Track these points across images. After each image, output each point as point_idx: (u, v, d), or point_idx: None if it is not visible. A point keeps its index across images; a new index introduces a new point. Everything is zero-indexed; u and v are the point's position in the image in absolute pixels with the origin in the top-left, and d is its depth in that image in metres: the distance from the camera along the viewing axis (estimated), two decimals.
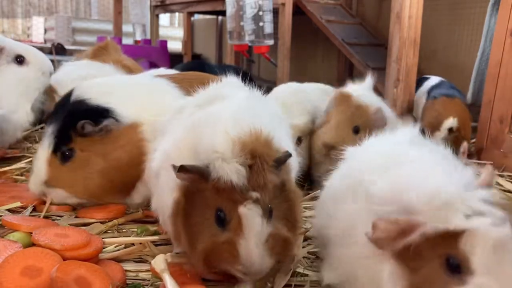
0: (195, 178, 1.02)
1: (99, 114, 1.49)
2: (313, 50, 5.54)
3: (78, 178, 1.48)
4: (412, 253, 0.75)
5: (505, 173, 2.33)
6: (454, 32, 4.19)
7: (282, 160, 1.05)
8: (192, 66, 3.56)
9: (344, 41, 4.43)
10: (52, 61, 2.16)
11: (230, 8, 4.17)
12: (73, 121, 1.47)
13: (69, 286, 1.02)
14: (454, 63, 4.15)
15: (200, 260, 1.03)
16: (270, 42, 4.05)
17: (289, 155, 1.08)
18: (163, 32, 7.64)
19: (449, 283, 0.72)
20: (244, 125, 1.06)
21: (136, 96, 1.61)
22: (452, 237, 0.73)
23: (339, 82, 5.36)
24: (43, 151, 1.51)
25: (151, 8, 5.53)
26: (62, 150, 1.49)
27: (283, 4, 4.05)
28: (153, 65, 4.89)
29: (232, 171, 0.98)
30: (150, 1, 5.52)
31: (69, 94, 1.58)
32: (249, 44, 4.09)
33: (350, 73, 5.20)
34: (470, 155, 2.75)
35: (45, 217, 1.50)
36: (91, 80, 1.70)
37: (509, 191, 2.01)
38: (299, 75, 5.49)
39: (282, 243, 1.03)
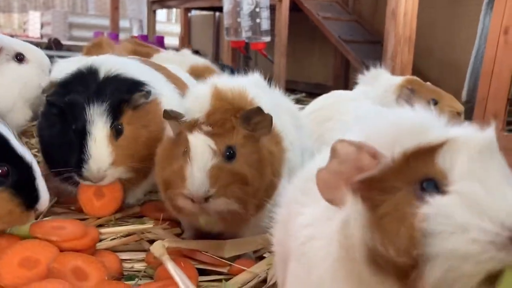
0: (175, 122, 1.20)
1: (139, 87, 1.52)
2: (310, 47, 5.56)
3: (131, 152, 1.46)
4: (374, 188, 0.59)
5: None
6: (450, 30, 4.22)
7: (250, 113, 1.15)
8: None
9: (341, 38, 4.45)
10: (52, 56, 2.16)
11: (227, 5, 4.18)
12: (122, 95, 1.45)
13: (66, 277, 1.04)
14: (450, 61, 4.17)
15: (163, 192, 1.20)
16: (267, 38, 4.07)
17: (258, 112, 1.15)
18: (160, 27, 7.64)
19: (422, 205, 0.56)
20: (231, 84, 1.22)
21: (150, 72, 1.71)
22: (425, 157, 0.58)
23: (335, 78, 5.40)
24: (100, 131, 1.41)
25: (148, 4, 5.53)
26: (115, 126, 1.44)
27: (280, 1, 4.07)
28: None
29: (195, 108, 1.17)
30: None
31: (92, 71, 1.52)
32: (246, 40, 4.11)
33: (346, 70, 5.22)
34: None
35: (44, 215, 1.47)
36: (101, 58, 1.68)
37: None
38: (295, 72, 5.51)
39: (233, 179, 1.11)
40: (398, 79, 2.28)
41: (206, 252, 1.20)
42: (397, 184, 0.58)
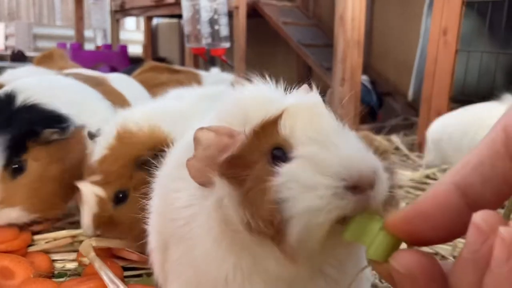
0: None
1: (56, 120, 1.43)
2: (272, 52, 5.66)
3: (34, 191, 1.35)
4: (237, 165, 0.64)
5: (444, 166, 2.46)
6: (402, 32, 4.37)
7: (143, 161, 1.12)
8: None
9: (300, 42, 4.56)
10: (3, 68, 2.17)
11: (186, 12, 4.26)
12: (28, 129, 1.35)
13: None
14: (405, 62, 4.31)
15: None
16: (227, 44, 4.15)
17: (153, 159, 1.06)
18: (128, 36, 7.66)
19: (274, 172, 0.61)
20: (145, 119, 1.21)
21: (75, 99, 1.61)
22: (271, 128, 0.64)
23: (299, 83, 5.49)
24: None
25: (111, 13, 5.57)
26: (15, 163, 1.33)
27: (237, 8, 4.16)
28: (113, 69, 4.94)
29: (96, 149, 1.21)
30: (110, 6, 5.56)
31: (10, 99, 1.43)
32: (206, 47, 4.19)
33: (308, 74, 5.34)
34: (411, 149, 2.91)
35: None
36: (26, 81, 1.59)
37: None
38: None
39: (115, 224, 1.19)
40: None
41: (133, 251, 1.26)
42: (254, 158, 0.64)
